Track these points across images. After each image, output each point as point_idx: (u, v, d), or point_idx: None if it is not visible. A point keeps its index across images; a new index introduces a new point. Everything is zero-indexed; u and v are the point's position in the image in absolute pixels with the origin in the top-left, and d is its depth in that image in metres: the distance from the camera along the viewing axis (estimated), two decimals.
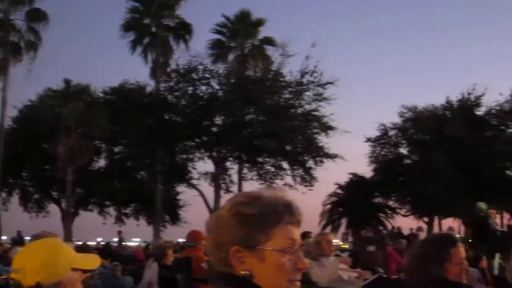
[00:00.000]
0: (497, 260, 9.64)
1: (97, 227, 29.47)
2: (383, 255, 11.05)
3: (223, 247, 1.43)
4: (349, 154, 46.97)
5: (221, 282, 1.43)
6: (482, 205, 12.23)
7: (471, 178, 25.17)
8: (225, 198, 21.88)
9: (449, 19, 58.04)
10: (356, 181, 30.42)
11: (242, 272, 1.41)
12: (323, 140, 24.13)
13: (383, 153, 30.05)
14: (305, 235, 10.37)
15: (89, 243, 17.70)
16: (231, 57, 27.65)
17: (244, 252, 1.43)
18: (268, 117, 23.02)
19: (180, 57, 24.63)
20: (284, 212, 1.45)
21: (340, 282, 5.81)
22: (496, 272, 9.18)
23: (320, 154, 23.89)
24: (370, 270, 6.85)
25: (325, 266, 5.94)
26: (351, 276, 5.90)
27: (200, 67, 23.34)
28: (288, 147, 24.17)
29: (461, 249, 2.86)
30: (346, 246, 23.64)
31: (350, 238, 26.62)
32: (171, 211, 28.22)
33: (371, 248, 11.50)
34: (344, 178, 31.77)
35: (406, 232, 21.66)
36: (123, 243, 23.26)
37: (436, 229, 27.12)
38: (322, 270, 5.87)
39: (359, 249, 13.00)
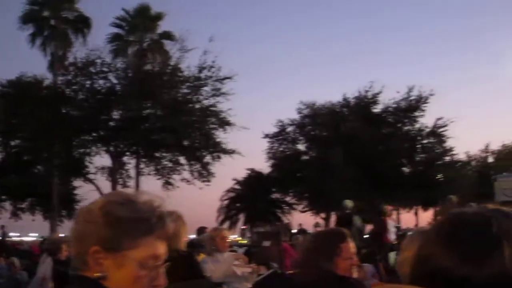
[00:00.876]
0: (393, 254, 11.27)
1: None
2: (278, 250, 13.16)
3: (84, 242, 1.63)
4: (247, 150, 53.61)
5: (74, 285, 1.69)
6: (348, 202, 14.71)
7: (368, 174, 30.16)
8: None
9: (347, 16, 67.47)
10: (254, 177, 35.66)
11: (96, 274, 1.61)
12: (221, 135, 28.20)
13: (281, 149, 35.29)
14: (201, 230, 12.73)
15: None
16: (130, 51, 31.92)
17: (104, 254, 1.62)
18: (166, 112, 26.55)
19: (78, 50, 27.87)
20: (157, 225, 1.66)
21: (234, 277, 6.69)
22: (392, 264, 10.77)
23: (218, 149, 28.01)
24: (265, 265, 8.18)
25: (219, 262, 6.76)
26: (245, 271, 6.81)
27: (98, 61, 26.73)
28: (185, 142, 27.83)
29: (351, 244, 3.53)
30: (245, 242, 28.29)
31: (248, 234, 29.68)
32: (68, 206, 30.96)
33: (267, 243, 14.01)
34: (242, 174, 36.81)
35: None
36: (6, 238, 25.28)
37: (333, 225, 33.34)
38: (216, 265, 6.70)
39: (254, 245, 15.85)
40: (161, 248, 1.67)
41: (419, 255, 1.26)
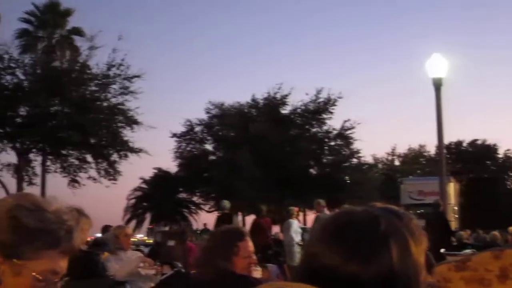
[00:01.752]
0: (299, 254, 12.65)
1: None
2: (183, 249, 14.37)
3: None
4: (154, 149, 60.28)
5: None
6: (226, 203, 17.12)
7: (275, 175, 34.70)
8: (27, 190, 27.81)
9: (258, 17, 75.79)
10: (161, 176, 40.60)
11: None
12: (128, 134, 31.65)
13: (188, 149, 40.20)
14: (105, 228, 13.85)
15: None
16: (39, 47, 35.22)
17: (1, 259, 1.80)
18: (73, 109, 29.64)
19: None
20: (64, 238, 1.83)
21: (137, 276, 7.59)
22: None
23: (125, 148, 31.61)
24: (169, 265, 9.05)
25: (123, 260, 7.78)
26: (149, 273, 7.71)
27: (6, 56, 29.50)
28: (92, 140, 31.27)
29: (249, 243, 4.16)
30: (151, 241, 31.62)
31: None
32: None
33: (171, 242, 15.40)
34: (149, 173, 41.80)
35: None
36: None
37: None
38: (120, 263, 7.68)
39: (159, 244, 17.51)
40: (63, 264, 1.85)
41: (306, 252, 1.43)
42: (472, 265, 2.70)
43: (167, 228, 33.03)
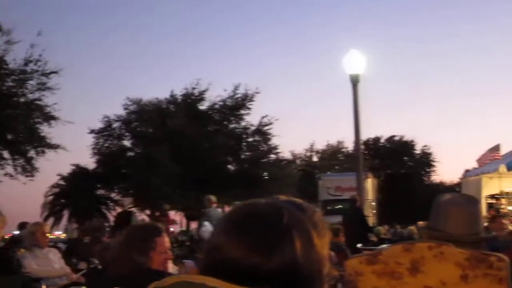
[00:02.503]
0: None
1: None
2: (99, 246, 13.71)
3: None
4: (73, 146, 59.94)
5: None
6: (126, 200, 18.30)
7: (193, 171, 34.57)
8: None
9: (177, 13, 76.28)
10: (79, 173, 40.01)
11: None
12: (46, 130, 31.23)
13: (106, 145, 39.59)
14: (22, 225, 14.04)
15: None
16: None
17: None
18: None
19: None
20: None
21: (53, 273, 7.77)
22: None
23: (42, 144, 31.16)
24: (85, 261, 9.19)
25: (39, 257, 7.78)
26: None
27: None
28: (9, 136, 30.78)
29: (166, 239, 4.15)
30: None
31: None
32: None
33: (87, 239, 15.22)
34: (67, 169, 41.17)
35: None
36: None
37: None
38: (36, 261, 7.66)
39: (76, 240, 17.48)
40: None
41: (209, 245, 1.42)
42: (383, 259, 2.74)
43: (84, 225, 32.40)
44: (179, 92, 39.59)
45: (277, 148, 41.43)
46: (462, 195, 3.10)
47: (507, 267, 2.67)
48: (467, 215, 2.94)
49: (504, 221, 12.24)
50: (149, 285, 1.42)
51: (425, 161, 62.53)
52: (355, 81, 18.91)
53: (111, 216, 40.17)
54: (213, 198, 16.07)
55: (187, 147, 35.81)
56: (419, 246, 2.71)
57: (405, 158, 61.59)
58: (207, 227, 14.76)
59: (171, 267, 4.91)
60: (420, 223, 3.22)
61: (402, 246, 2.76)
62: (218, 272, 1.35)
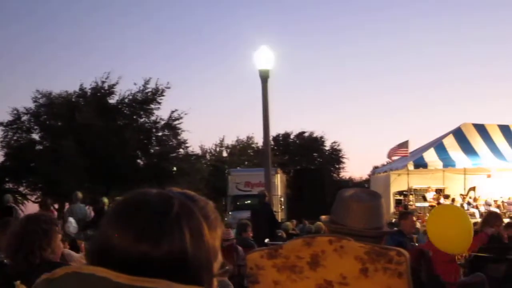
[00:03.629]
0: None
1: None
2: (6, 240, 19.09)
3: None
4: None
5: None
6: (9, 197, 17.84)
7: (102, 166, 34.53)
8: None
9: (82, 6, 75.11)
10: None
11: None
12: None
13: (15, 138, 38.86)
14: None
15: None
16: None
17: None
18: None
19: None
20: None
21: None
22: None
23: None
24: None
25: None
26: None
27: None
28: None
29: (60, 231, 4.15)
30: None
31: None
32: None
33: None
34: None
35: None
36: None
37: None
38: None
39: None
40: None
41: (99, 234, 1.41)
42: (284, 253, 2.75)
43: None
44: (88, 85, 39.14)
45: (187, 143, 41.67)
46: (364, 190, 3.15)
47: (407, 262, 2.70)
48: (369, 210, 2.98)
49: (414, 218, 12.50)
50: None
51: (335, 157, 63.49)
52: (264, 77, 19.08)
53: (20, 210, 39.66)
54: (79, 194, 16.59)
55: (96, 141, 35.52)
56: (320, 240, 2.72)
57: (315, 154, 62.35)
58: (72, 223, 15.08)
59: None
60: (323, 217, 3.24)
61: (302, 240, 2.77)
62: (108, 261, 1.35)
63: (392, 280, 2.68)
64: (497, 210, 25.69)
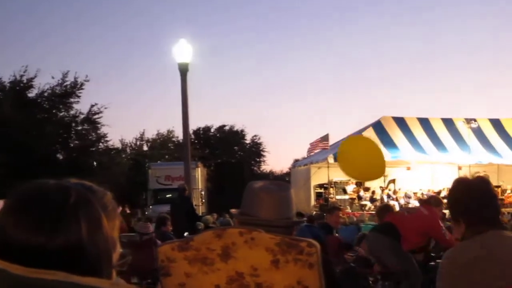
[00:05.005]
0: None
1: None
2: None
3: None
4: None
5: None
6: None
7: (20, 160, 34.02)
8: None
9: None
10: None
11: None
12: None
13: None
14: None
15: None
16: None
17: None
18: None
19: None
20: None
21: None
22: None
23: None
24: None
25: None
26: None
27: None
28: None
29: None
30: None
31: None
32: None
33: None
34: None
35: None
36: None
37: None
38: None
39: None
40: None
41: None
42: (195, 245, 2.76)
43: None
44: (7, 79, 38.31)
45: (107, 137, 41.51)
46: (272, 181, 3.17)
47: (318, 253, 2.72)
48: (278, 200, 2.99)
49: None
50: None
51: (255, 150, 63.72)
52: (183, 70, 19.12)
53: None
54: None
55: (14, 135, 34.74)
56: (230, 232, 2.73)
57: (236, 147, 62.46)
58: None
59: None
60: (233, 210, 3.26)
61: (213, 232, 2.78)
62: (6, 253, 1.34)
63: (303, 271, 2.69)
64: (417, 203, 26.26)
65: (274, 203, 2.98)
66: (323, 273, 2.75)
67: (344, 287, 6.91)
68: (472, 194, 3.21)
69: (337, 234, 12.22)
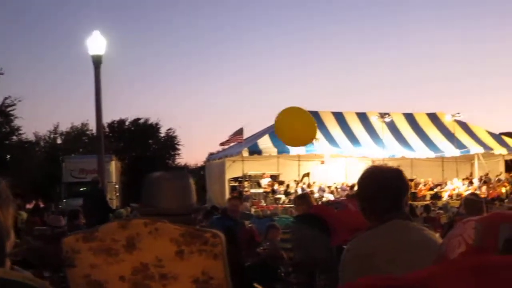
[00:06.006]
0: None
1: None
2: None
3: None
4: None
5: None
6: None
7: None
8: None
9: None
10: None
11: None
12: None
13: None
14: None
15: None
16: None
17: None
18: None
19: None
20: None
21: None
22: None
23: None
24: None
25: None
26: None
27: None
28: None
29: None
30: None
31: None
32: None
33: None
34: None
35: None
36: None
37: None
38: None
39: None
40: None
41: None
42: (99, 236, 2.74)
43: None
44: None
45: (20, 130, 40.82)
46: (171, 172, 3.21)
47: (222, 243, 2.76)
48: (176, 189, 3.05)
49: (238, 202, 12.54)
50: None
51: (170, 144, 63.30)
52: (97, 62, 18.94)
53: None
54: None
55: None
56: (135, 223, 2.74)
57: (150, 141, 61.91)
58: None
59: None
60: (133, 204, 3.28)
61: (118, 223, 2.78)
62: None
63: (207, 261, 2.72)
64: (331, 196, 26.63)
65: (173, 192, 3.03)
66: (228, 264, 2.77)
67: (254, 279, 6.90)
68: (380, 183, 3.23)
69: (250, 225, 12.26)
